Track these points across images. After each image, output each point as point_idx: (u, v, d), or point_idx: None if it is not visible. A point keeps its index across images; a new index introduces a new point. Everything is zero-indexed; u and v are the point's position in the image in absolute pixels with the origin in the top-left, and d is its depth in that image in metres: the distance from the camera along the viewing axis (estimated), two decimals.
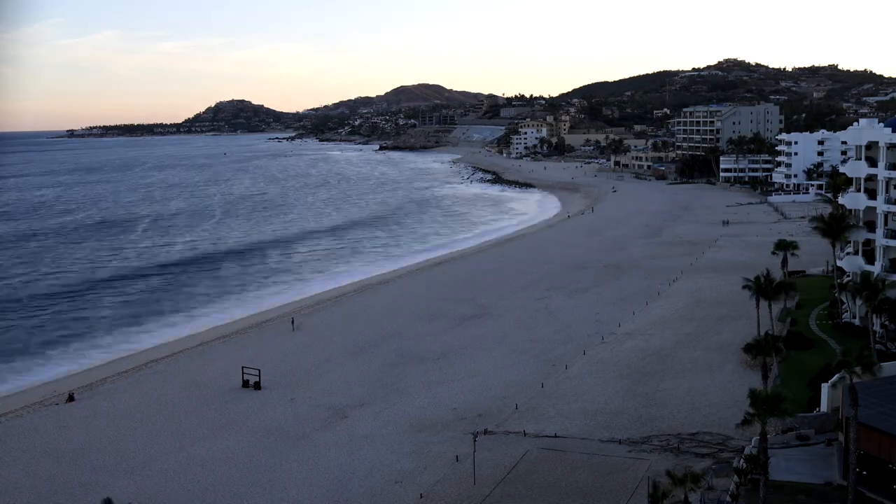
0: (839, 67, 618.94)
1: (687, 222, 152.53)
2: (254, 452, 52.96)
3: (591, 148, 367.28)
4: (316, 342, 79.76)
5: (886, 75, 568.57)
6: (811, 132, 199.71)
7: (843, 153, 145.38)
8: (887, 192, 67.70)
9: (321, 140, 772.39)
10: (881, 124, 73.38)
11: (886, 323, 63.73)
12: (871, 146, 69.70)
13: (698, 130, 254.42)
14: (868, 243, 70.64)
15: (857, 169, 71.84)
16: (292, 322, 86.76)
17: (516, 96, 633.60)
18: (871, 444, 39.27)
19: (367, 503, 45.34)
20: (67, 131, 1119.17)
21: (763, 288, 63.49)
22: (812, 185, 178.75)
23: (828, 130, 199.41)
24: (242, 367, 67.71)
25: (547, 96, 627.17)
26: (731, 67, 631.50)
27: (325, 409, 60.45)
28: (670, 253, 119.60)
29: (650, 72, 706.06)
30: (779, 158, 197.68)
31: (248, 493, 47.19)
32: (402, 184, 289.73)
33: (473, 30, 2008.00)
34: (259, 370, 66.88)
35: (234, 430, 57.06)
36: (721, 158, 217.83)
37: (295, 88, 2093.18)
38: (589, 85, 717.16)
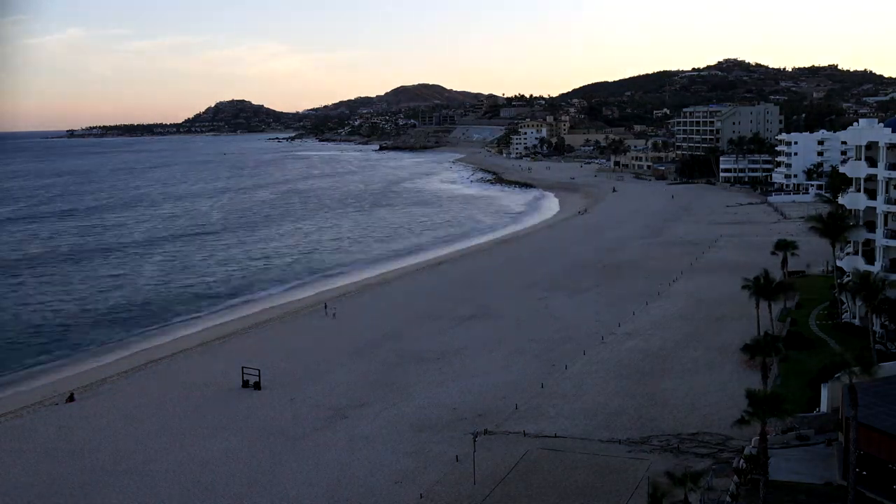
0: (839, 67, 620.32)
1: (687, 222, 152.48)
2: (254, 452, 52.96)
3: (591, 148, 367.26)
4: (316, 342, 79.77)
5: (886, 75, 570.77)
6: (811, 132, 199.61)
7: (843, 153, 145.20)
8: (887, 192, 67.75)
9: (321, 140, 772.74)
10: (881, 124, 73.40)
11: (886, 323, 63.74)
12: (871, 146, 69.75)
13: (698, 131, 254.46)
14: (868, 243, 70.66)
15: (856, 169, 71.88)
16: (325, 307, 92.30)
17: (516, 96, 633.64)
18: (871, 444, 39.27)
19: (367, 503, 45.35)
20: (67, 131, 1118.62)
21: (763, 288, 63.52)
22: (812, 185, 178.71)
23: (828, 130, 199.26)
24: (242, 367, 67.71)
25: (547, 96, 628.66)
26: (731, 67, 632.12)
27: (325, 409, 60.45)
28: (670, 253, 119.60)
29: (650, 72, 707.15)
30: (779, 158, 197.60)
31: (248, 493, 47.19)
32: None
33: (473, 30, 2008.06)
34: (259, 370, 66.88)
35: (234, 430, 57.05)
36: (721, 158, 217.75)
37: (294, 89, 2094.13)
38: (589, 85, 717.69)
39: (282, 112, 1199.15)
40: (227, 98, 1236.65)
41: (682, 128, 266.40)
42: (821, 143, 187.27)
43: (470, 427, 53.91)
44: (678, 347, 70.84)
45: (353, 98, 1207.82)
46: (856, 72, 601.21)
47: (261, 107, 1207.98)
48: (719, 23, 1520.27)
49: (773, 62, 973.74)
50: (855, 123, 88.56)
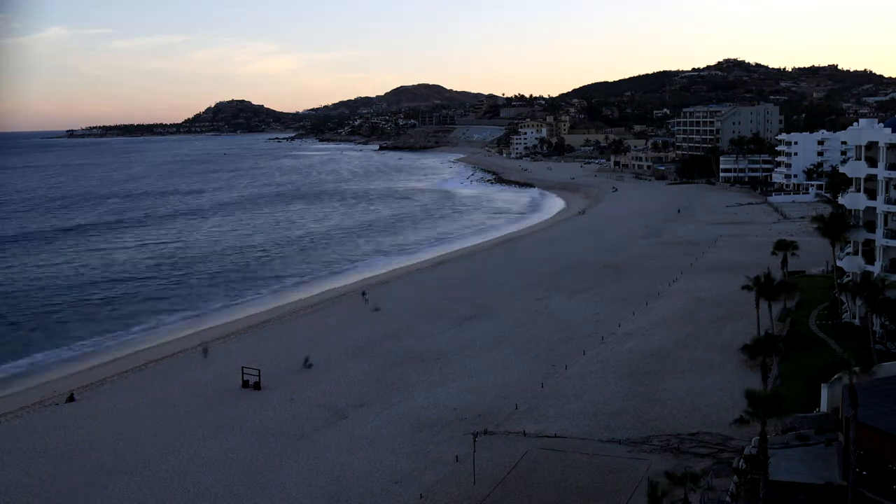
0: (839, 67, 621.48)
1: (687, 222, 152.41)
2: (254, 452, 52.96)
3: (591, 148, 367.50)
4: (316, 342, 79.71)
5: (886, 75, 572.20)
6: (811, 132, 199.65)
7: (843, 153, 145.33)
8: (887, 192, 67.73)
9: (321, 140, 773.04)
10: (881, 124, 73.39)
11: (886, 323, 63.71)
12: (871, 146, 69.73)
13: (698, 131, 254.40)
14: (868, 243, 70.65)
15: (856, 169, 71.86)
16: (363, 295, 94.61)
17: (516, 96, 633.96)
18: (871, 444, 39.27)
19: (367, 503, 45.35)
20: (67, 131, 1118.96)
21: (763, 288, 63.49)
22: (812, 186, 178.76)
23: (828, 130, 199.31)
24: (242, 368, 67.71)
25: (547, 96, 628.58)
26: (731, 67, 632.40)
27: (325, 409, 60.44)
28: (670, 253, 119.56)
29: (650, 72, 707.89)
30: (779, 158, 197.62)
31: (247, 493, 47.18)
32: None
33: (473, 29, 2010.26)
34: (259, 370, 66.88)
35: (234, 430, 57.05)
36: (721, 158, 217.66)
37: (295, 89, 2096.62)
38: (589, 85, 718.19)
39: (282, 112, 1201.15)
40: (228, 98, 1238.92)
41: (682, 128, 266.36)
42: (821, 143, 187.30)
43: (470, 427, 53.91)
44: (678, 347, 70.82)
45: (353, 98, 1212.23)
46: (856, 72, 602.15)
47: (261, 107, 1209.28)
48: (719, 23, 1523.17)
49: (773, 62, 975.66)
50: (855, 123, 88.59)
